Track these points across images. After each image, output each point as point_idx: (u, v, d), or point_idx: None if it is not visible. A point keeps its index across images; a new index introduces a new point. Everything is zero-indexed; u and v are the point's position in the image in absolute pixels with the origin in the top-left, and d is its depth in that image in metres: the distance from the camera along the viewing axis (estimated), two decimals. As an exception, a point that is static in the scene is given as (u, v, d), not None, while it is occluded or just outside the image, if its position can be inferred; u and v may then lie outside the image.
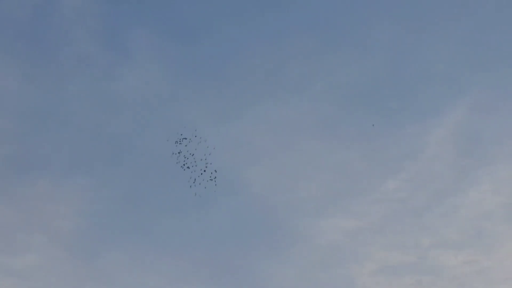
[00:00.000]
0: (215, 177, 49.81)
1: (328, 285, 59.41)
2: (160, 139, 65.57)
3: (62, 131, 66.40)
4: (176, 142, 49.97)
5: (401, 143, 66.82)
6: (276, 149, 67.42)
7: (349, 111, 69.63)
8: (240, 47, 72.16)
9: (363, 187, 64.90)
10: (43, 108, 67.18)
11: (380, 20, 73.07)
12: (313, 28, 72.48)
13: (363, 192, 64.55)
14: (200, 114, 68.20)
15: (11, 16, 69.43)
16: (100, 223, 61.97)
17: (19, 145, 64.73)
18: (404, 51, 72.45)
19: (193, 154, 49.98)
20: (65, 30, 70.82)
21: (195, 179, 49.83)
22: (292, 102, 69.55)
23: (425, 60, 72.11)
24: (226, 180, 63.51)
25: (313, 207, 64.18)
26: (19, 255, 58.88)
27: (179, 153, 49.62)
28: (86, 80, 69.45)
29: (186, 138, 49.85)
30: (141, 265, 60.25)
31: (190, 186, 49.86)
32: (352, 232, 62.79)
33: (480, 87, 69.08)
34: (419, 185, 64.65)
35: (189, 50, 72.16)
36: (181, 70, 70.79)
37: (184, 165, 49.59)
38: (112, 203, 63.57)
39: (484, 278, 58.77)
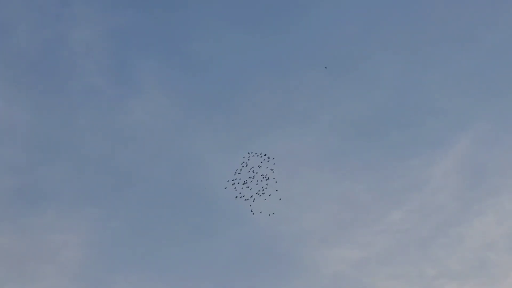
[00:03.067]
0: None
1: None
2: (168, 170, 66.78)
3: (71, 163, 66.82)
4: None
5: (406, 174, 67.36)
6: (283, 180, 67.93)
7: (354, 143, 70.41)
8: (248, 80, 73.25)
9: (368, 218, 65.38)
10: (53, 140, 68.12)
11: (384, 54, 74.05)
12: (319, 62, 73.37)
13: (368, 223, 65.02)
14: (208, 145, 69.20)
15: (22, 50, 70.82)
16: (107, 253, 62.45)
17: (29, 176, 65.21)
18: (408, 84, 73.24)
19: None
20: (74, 64, 72.23)
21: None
22: (298, 134, 70.42)
23: (429, 93, 72.98)
24: (233, 210, 64.56)
25: (319, 238, 64.60)
26: (28, 284, 59.31)
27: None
28: (95, 112, 70.57)
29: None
30: None
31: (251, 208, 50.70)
32: (357, 262, 63.08)
33: (484, 119, 69.75)
34: (424, 216, 65.04)
35: (196, 82, 73.31)
36: (189, 102, 71.63)
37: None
38: (119, 234, 63.89)
39: (488, 308, 58.79)
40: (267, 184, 50.92)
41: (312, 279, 61.92)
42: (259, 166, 51.29)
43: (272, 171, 51.01)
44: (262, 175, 51.21)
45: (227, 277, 61.99)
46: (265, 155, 51.08)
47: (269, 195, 51.02)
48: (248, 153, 51.66)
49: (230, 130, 70.02)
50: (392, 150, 69.43)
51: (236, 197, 50.86)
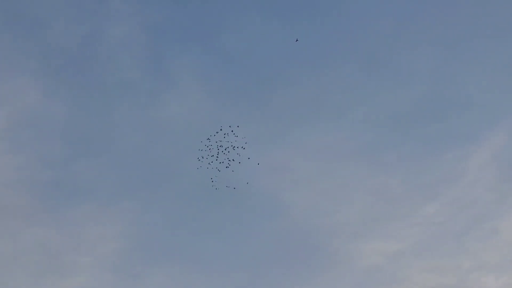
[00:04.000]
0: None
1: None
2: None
3: (107, 156, 67.66)
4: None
5: (441, 168, 67.28)
6: (317, 174, 68.53)
7: (389, 137, 70.46)
8: (282, 73, 73.79)
9: (403, 211, 65.49)
10: (90, 134, 69.25)
11: (420, 47, 73.78)
12: (354, 56, 73.58)
13: (403, 216, 65.12)
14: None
15: (60, 45, 72.00)
16: (144, 245, 63.44)
17: (67, 170, 66.21)
18: (443, 78, 72.94)
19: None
20: (110, 58, 73.36)
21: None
22: (333, 127, 70.82)
23: (465, 86, 72.76)
24: (269, 204, 65.24)
25: (353, 231, 64.88)
26: (67, 276, 60.42)
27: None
28: (131, 106, 71.50)
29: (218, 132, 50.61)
30: (184, 285, 61.37)
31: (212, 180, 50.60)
32: (392, 255, 63.26)
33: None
34: (459, 209, 64.92)
35: (231, 75, 73.90)
36: (224, 95, 72.21)
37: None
38: (156, 226, 64.73)
39: (524, 301, 58.45)
40: (238, 154, 50.58)
41: (347, 272, 62.30)
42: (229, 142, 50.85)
43: (243, 148, 50.72)
44: (232, 146, 50.86)
45: (262, 270, 62.71)
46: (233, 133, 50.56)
47: (239, 162, 50.63)
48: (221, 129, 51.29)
49: (265, 124, 70.62)
50: (427, 143, 69.42)
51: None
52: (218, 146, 50.68)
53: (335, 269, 62.49)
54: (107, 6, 73.31)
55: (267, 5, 75.39)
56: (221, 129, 50.94)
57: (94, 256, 61.67)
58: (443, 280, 60.63)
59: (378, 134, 70.55)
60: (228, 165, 50.62)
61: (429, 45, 73.85)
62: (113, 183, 66.28)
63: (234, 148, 51.03)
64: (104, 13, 73.18)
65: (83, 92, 71.01)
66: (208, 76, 73.44)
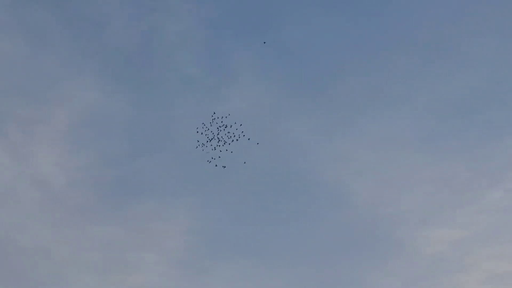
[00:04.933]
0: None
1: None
2: (265, 156, 67.82)
3: (170, 153, 68.07)
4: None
5: (505, 153, 66.50)
6: (380, 163, 68.35)
7: (450, 124, 69.80)
8: (342, 64, 73.15)
9: (468, 197, 65.11)
10: (152, 131, 69.58)
11: (481, 33, 72.54)
12: (414, 43, 72.68)
13: (467, 202, 64.77)
14: (305, 131, 69.74)
15: (119, 44, 72.24)
16: (209, 240, 63.93)
17: (129, 167, 66.83)
18: (504, 63, 71.72)
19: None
20: (170, 55, 73.21)
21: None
22: (395, 116, 70.36)
23: (526, 69, 71.28)
24: (332, 194, 65.34)
25: (418, 219, 64.77)
26: (132, 273, 61.18)
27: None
28: (192, 102, 71.55)
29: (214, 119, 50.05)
30: (250, 279, 62.06)
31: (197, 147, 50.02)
32: (458, 243, 63.09)
33: None
34: (525, 194, 64.31)
35: (291, 68, 73.40)
36: (284, 88, 72.03)
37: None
38: (221, 220, 65.27)
39: None
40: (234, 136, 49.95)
41: (412, 260, 62.36)
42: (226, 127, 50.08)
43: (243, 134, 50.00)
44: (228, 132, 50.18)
45: (327, 261, 63.07)
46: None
47: (237, 139, 49.97)
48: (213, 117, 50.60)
49: (326, 115, 70.54)
50: (490, 129, 68.62)
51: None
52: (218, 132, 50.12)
53: (399, 257, 62.72)
54: (165, 3, 73.22)
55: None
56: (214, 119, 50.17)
57: (159, 253, 62.62)
58: (510, 267, 60.48)
59: (440, 121, 70.05)
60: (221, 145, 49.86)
61: (490, 31, 72.58)
62: (176, 179, 66.86)
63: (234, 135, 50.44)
64: (163, 10, 73.14)
65: (144, 90, 71.48)
66: (269, 69, 73.27)
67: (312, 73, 72.50)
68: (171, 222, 64.54)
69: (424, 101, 71.35)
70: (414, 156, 68.15)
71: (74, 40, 70.68)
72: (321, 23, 74.33)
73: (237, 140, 50.13)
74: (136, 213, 64.31)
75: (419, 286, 60.82)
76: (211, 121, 49.92)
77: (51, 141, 66.22)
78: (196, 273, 61.63)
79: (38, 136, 66.35)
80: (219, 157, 49.97)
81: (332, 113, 70.59)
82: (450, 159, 67.45)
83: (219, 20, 73.55)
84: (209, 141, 49.84)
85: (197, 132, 50.22)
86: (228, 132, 50.08)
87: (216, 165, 49.72)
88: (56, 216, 62.76)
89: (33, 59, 69.18)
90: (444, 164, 67.38)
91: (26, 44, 69.43)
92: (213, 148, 50.17)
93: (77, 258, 60.98)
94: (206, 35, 73.48)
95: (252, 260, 63.09)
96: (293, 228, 64.75)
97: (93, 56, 70.72)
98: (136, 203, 64.91)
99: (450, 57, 72.56)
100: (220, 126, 49.74)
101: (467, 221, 63.72)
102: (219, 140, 49.90)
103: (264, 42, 59.68)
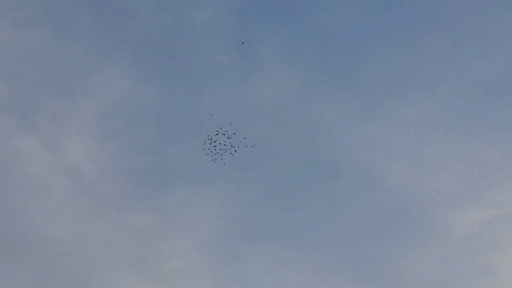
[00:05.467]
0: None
1: (468, 275, 59.78)
2: (295, 141, 68.08)
3: (199, 140, 68.10)
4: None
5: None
6: (410, 145, 68.29)
7: (480, 104, 69.50)
8: (370, 47, 72.89)
9: (499, 176, 64.85)
10: (181, 119, 69.41)
11: (510, 12, 72.08)
12: (443, 24, 72.33)
13: (499, 181, 64.48)
14: (334, 115, 69.84)
15: (148, 33, 72.35)
16: (241, 225, 63.97)
17: (160, 156, 67.07)
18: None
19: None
20: (198, 43, 73.08)
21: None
22: (424, 98, 70.18)
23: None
24: (362, 177, 65.56)
25: (449, 199, 64.68)
26: (166, 260, 61.56)
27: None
28: (221, 89, 71.21)
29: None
30: (282, 263, 62.03)
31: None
32: (490, 222, 62.88)
33: None
34: (557, 172, 63.99)
35: (319, 52, 73.19)
36: (314, 73, 71.77)
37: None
38: (252, 205, 65.35)
39: None
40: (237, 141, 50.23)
41: (444, 241, 62.30)
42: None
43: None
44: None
45: (358, 244, 63.18)
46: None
47: (238, 146, 50.27)
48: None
49: (355, 99, 70.46)
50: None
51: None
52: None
53: (431, 239, 62.64)
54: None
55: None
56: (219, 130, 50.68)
57: (191, 240, 62.82)
58: (545, 245, 60.32)
59: (470, 101, 69.77)
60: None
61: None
62: (206, 166, 66.66)
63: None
64: (190, -1, 73.25)
65: (173, 78, 71.63)
66: (296, 55, 73.09)
67: (340, 57, 72.54)
68: (203, 209, 65.09)
69: (454, 81, 71.22)
70: (444, 137, 68.17)
71: (102, 31, 71.21)
72: (349, 6, 74.16)
73: (238, 147, 50.86)
74: (168, 201, 64.72)
75: (452, 266, 60.96)
76: (217, 132, 50.62)
77: (82, 132, 66.92)
78: (229, 258, 61.99)
79: (69, 127, 67.08)
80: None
81: (361, 96, 70.64)
82: (480, 139, 67.36)
83: (246, 7, 73.59)
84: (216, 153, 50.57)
85: (204, 149, 50.92)
86: (231, 144, 50.71)
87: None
88: (88, 207, 63.43)
89: (63, 51, 69.79)
90: (474, 144, 67.30)
91: (55, 36, 70.09)
92: (221, 156, 50.91)
93: (110, 248, 61.65)
94: (233, 22, 73.39)
95: (283, 244, 63.39)
96: (324, 212, 65.05)
97: (122, 46, 71.22)
98: (167, 191, 65.30)
99: (479, 37, 72.21)
100: (226, 136, 50.54)
101: (499, 200, 63.68)
102: (225, 151, 50.66)
103: (243, 42, 60.04)
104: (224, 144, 50.50)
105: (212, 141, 49.78)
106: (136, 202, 64.56)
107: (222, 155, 49.89)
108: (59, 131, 66.44)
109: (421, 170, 66.55)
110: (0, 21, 68.33)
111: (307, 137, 68.93)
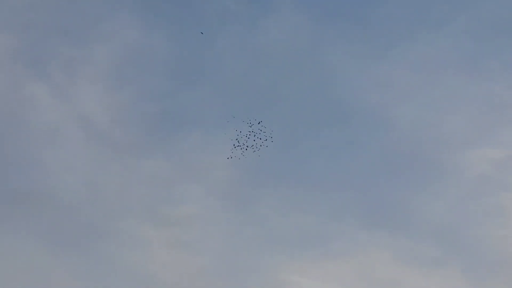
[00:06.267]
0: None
1: (479, 214, 60.12)
2: (307, 85, 68.08)
3: (210, 85, 67.83)
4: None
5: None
6: (421, 86, 68.20)
7: (491, 44, 69.18)
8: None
9: (509, 117, 64.88)
10: (192, 65, 69.41)
11: None
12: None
13: (509, 121, 64.54)
14: (346, 58, 69.66)
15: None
16: (253, 170, 63.27)
17: (172, 102, 66.84)
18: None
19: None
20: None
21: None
22: (435, 38, 69.74)
23: None
24: (374, 119, 65.72)
25: (460, 140, 64.78)
26: (178, 205, 61.82)
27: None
28: (232, 35, 71.33)
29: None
30: (294, 206, 62.36)
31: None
32: (501, 162, 63.00)
33: None
34: None
35: (330, -3, 72.58)
36: (325, 17, 71.25)
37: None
38: (263, 150, 65.26)
39: None
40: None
41: (456, 181, 62.47)
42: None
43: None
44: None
45: (371, 185, 63.36)
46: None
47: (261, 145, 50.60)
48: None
49: (366, 41, 70.07)
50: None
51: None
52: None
53: (443, 179, 62.82)
54: None
55: None
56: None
57: (204, 184, 62.98)
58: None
59: (480, 42, 69.43)
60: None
61: None
62: (218, 111, 66.68)
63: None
64: None
65: (183, 25, 71.20)
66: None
67: (351, 1, 72.07)
68: (215, 154, 64.31)
69: (464, 22, 70.66)
70: (455, 77, 68.06)
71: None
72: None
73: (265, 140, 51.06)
74: (180, 146, 64.93)
75: (464, 206, 61.27)
76: (249, 123, 50.78)
77: (94, 80, 66.89)
78: (241, 203, 62.20)
79: (81, 75, 67.05)
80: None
81: (372, 39, 70.30)
82: (491, 79, 67.21)
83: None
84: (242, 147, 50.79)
85: (234, 145, 50.99)
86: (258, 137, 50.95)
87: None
88: (101, 154, 63.55)
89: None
90: (485, 84, 67.20)
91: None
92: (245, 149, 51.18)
93: (123, 194, 61.85)
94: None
95: (295, 188, 63.61)
96: (335, 155, 65.23)
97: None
98: (180, 136, 65.48)
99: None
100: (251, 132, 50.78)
101: (509, 141, 63.79)
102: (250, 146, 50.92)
103: (202, 33, 59.77)
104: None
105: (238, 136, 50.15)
106: (148, 148, 64.73)
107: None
108: (71, 80, 66.52)
109: (433, 111, 66.65)
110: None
111: (318, 80, 69.01)
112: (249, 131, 50.65)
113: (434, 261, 59.25)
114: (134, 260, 57.98)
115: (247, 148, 50.60)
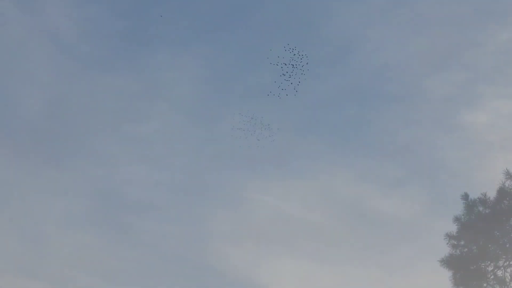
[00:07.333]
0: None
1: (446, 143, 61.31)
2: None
3: (180, 2, 66.98)
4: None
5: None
6: (388, 7, 67.64)
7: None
8: None
9: (475, 39, 64.61)
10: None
11: None
12: None
13: (475, 44, 64.27)
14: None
15: None
16: (219, 89, 63.16)
17: (137, 19, 65.55)
18: None
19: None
20: None
21: None
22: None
23: None
24: (339, 42, 65.24)
25: (426, 63, 64.41)
26: (143, 122, 62.43)
27: None
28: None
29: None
30: None
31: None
32: (463, 85, 63.33)
33: None
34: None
35: None
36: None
37: None
38: (231, 67, 64.51)
39: None
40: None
41: (422, 103, 62.62)
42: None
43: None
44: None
45: (336, 104, 63.97)
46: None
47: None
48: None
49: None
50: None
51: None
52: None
53: (408, 102, 63.02)
54: None
55: None
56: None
57: (169, 102, 63.11)
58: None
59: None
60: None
61: None
62: (185, 28, 66.04)
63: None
64: None
65: None
66: None
67: None
68: (182, 71, 64.33)
69: None
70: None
71: None
72: None
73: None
74: (146, 63, 63.89)
75: (429, 126, 61.99)
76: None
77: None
78: (207, 120, 61.81)
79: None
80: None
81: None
82: (458, 1, 66.66)
83: None
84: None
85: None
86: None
87: None
88: (68, 69, 63.47)
89: None
90: (452, 5, 65.74)
91: None
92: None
93: (89, 109, 61.86)
94: None
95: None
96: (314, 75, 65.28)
97: None
98: (146, 53, 64.29)
99: None
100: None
101: (472, 63, 63.76)
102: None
103: (161, 16, 58.58)
104: None
105: None
106: (115, 64, 64.31)
107: None
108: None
109: (398, 34, 65.57)
110: None
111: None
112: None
113: (396, 180, 59.62)
114: (99, 176, 58.77)
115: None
